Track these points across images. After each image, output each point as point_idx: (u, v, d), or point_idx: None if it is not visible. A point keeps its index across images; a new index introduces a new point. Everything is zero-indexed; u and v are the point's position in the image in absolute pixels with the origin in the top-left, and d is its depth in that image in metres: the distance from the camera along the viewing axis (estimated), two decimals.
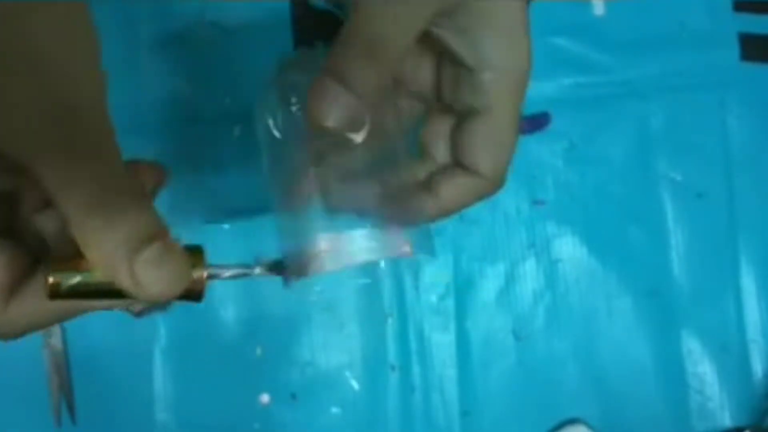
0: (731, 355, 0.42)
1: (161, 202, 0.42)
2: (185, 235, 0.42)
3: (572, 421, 0.41)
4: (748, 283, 0.43)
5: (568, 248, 0.42)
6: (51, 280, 0.22)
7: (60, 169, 0.19)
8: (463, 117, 0.27)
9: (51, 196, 0.20)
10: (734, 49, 0.43)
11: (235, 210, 0.42)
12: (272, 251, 0.42)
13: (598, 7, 0.43)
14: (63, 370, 0.41)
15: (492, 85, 0.26)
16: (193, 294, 0.26)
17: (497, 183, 0.28)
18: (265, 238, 0.42)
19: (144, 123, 0.42)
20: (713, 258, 0.43)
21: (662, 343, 0.42)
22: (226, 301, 0.42)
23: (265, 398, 0.41)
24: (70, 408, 0.41)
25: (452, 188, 0.28)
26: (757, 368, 0.42)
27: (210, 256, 0.42)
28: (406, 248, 0.25)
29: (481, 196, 0.28)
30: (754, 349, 0.42)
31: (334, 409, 0.41)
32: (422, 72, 0.29)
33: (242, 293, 0.42)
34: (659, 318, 0.42)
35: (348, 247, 0.25)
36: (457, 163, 0.28)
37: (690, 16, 0.43)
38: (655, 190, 0.43)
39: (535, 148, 0.42)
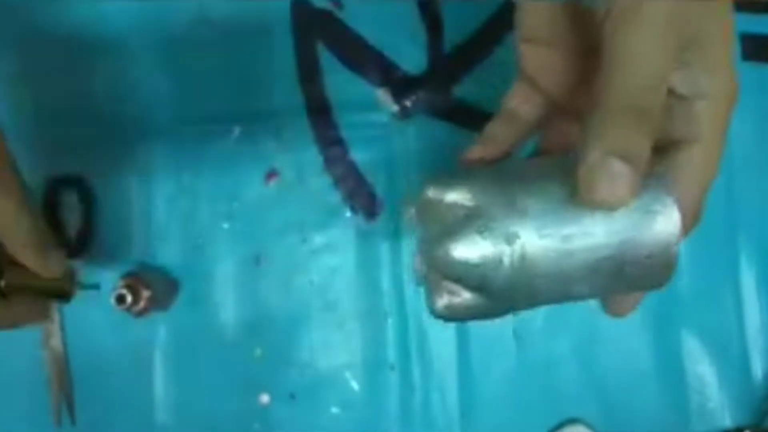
0: (731, 355, 0.42)
1: (163, 203, 0.42)
2: (185, 235, 0.42)
3: (572, 421, 0.41)
4: (748, 283, 0.43)
5: None
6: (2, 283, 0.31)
7: None
8: (665, 147, 0.27)
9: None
10: (734, 49, 0.43)
11: (234, 209, 0.42)
12: (270, 249, 0.42)
13: None
14: (63, 370, 0.41)
15: (706, 113, 0.26)
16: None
17: (699, 217, 0.28)
18: (265, 237, 0.42)
19: (144, 123, 0.42)
20: (713, 258, 0.43)
21: (662, 343, 0.42)
22: (226, 301, 0.42)
23: (264, 398, 0.41)
24: (70, 408, 0.41)
25: None
26: (757, 368, 0.42)
27: (210, 255, 0.42)
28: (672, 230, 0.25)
29: (687, 235, 0.27)
30: (754, 349, 0.42)
31: (334, 409, 0.41)
32: None
33: (242, 293, 0.42)
34: (659, 318, 0.42)
35: None
36: None
37: None
38: None
39: None
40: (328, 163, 0.42)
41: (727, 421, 0.42)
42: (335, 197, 0.42)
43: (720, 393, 0.42)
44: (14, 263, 0.31)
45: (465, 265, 0.25)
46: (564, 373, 0.42)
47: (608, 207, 0.24)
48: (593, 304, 0.43)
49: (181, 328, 0.41)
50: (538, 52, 0.30)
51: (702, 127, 0.26)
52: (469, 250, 0.24)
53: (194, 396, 0.41)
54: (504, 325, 0.42)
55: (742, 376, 0.42)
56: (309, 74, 0.43)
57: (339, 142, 0.42)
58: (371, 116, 0.43)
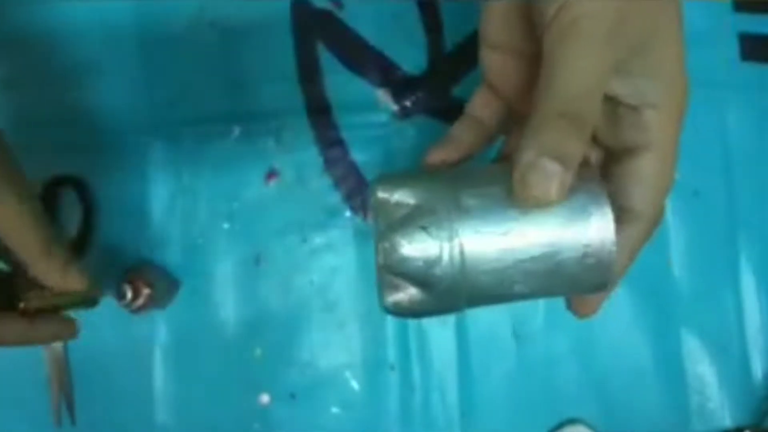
0: (731, 355, 0.42)
1: (163, 203, 0.42)
2: (185, 235, 0.42)
3: (572, 421, 0.41)
4: (747, 282, 0.43)
5: None
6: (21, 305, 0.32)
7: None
8: (619, 155, 0.28)
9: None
10: (734, 49, 0.43)
11: (234, 209, 0.42)
12: (270, 249, 0.42)
13: None
14: (63, 370, 0.41)
15: (655, 122, 0.27)
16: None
17: (658, 221, 0.28)
18: (265, 237, 0.42)
19: (144, 123, 0.42)
20: (713, 258, 0.43)
21: (662, 343, 0.42)
22: (226, 301, 0.42)
23: (265, 398, 0.41)
24: (70, 408, 0.41)
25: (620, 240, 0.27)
26: (757, 368, 0.42)
27: (210, 255, 0.42)
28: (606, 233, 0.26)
29: (645, 240, 0.28)
30: (754, 349, 0.42)
31: (334, 409, 0.41)
32: None
33: (242, 293, 0.42)
34: (659, 318, 0.42)
35: None
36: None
37: (690, 16, 0.43)
38: None
39: None
40: (329, 163, 0.42)
41: (727, 421, 0.42)
42: (335, 197, 0.42)
43: (720, 393, 0.42)
44: (37, 285, 0.32)
45: (407, 259, 0.25)
46: (564, 373, 0.42)
47: (541, 204, 0.25)
48: None
49: (182, 327, 0.41)
50: (497, 58, 0.31)
51: (652, 135, 0.27)
52: (410, 244, 0.25)
53: (194, 396, 0.41)
54: (504, 325, 0.42)
55: (742, 376, 0.42)
56: (309, 74, 0.43)
57: (339, 142, 0.42)
58: (371, 116, 0.43)
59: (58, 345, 0.41)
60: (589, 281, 0.26)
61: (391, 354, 0.41)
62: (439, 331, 0.42)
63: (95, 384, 0.41)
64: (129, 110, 0.42)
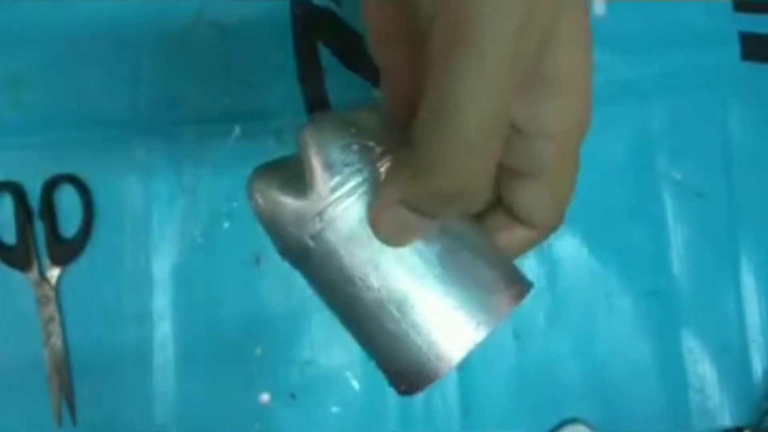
0: (731, 355, 0.42)
1: (163, 203, 0.42)
2: (185, 235, 0.42)
3: (572, 421, 0.41)
4: (748, 282, 0.43)
5: (569, 248, 0.42)
6: None
7: None
8: (510, 174, 0.24)
9: None
10: (734, 49, 0.43)
11: (234, 209, 0.42)
12: (271, 249, 0.42)
13: (599, 7, 0.43)
14: (63, 370, 0.41)
15: (547, 154, 0.23)
16: None
17: (555, 230, 0.26)
18: (265, 238, 0.42)
19: (144, 123, 0.42)
20: (713, 258, 0.43)
21: (662, 342, 0.42)
22: (226, 301, 0.42)
23: (265, 398, 0.41)
24: (70, 408, 0.41)
25: (510, 240, 0.26)
26: (757, 368, 0.42)
27: (210, 255, 0.42)
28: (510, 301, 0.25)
29: (536, 244, 0.26)
30: (754, 349, 0.42)
31: (334, 409, 0.41)
32: None
33: (242, 293, 0.42)
34: (659, 318, 0.42)
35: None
36: (511, 214, 0.25)
37: (690, 16, 0.43)
38: (656, 190, 0.43)
39: None
40: None
41: (727, 421, 0.42)
42: None
43: (720, 392, 0.42)
44: None
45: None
46: (564, 373, 0.42)
47: (390, 245, 0.22)
48: (593, 304, 0.43)
49: (182, 327, 0.41)
50: (389, 52, 0.27)
51: (543, 166, 0.23)
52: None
53: (194, 396, 0.41)
54: (504, 325, 0.42)
55: (742, 376, 0.42)
56: (309, 74, 0.43)
57: None
58: None
59: (58, 345, 0.41)
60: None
61: None
62: None
63: (95, 384, 0.41)
64: (129, 110, 0.42)
